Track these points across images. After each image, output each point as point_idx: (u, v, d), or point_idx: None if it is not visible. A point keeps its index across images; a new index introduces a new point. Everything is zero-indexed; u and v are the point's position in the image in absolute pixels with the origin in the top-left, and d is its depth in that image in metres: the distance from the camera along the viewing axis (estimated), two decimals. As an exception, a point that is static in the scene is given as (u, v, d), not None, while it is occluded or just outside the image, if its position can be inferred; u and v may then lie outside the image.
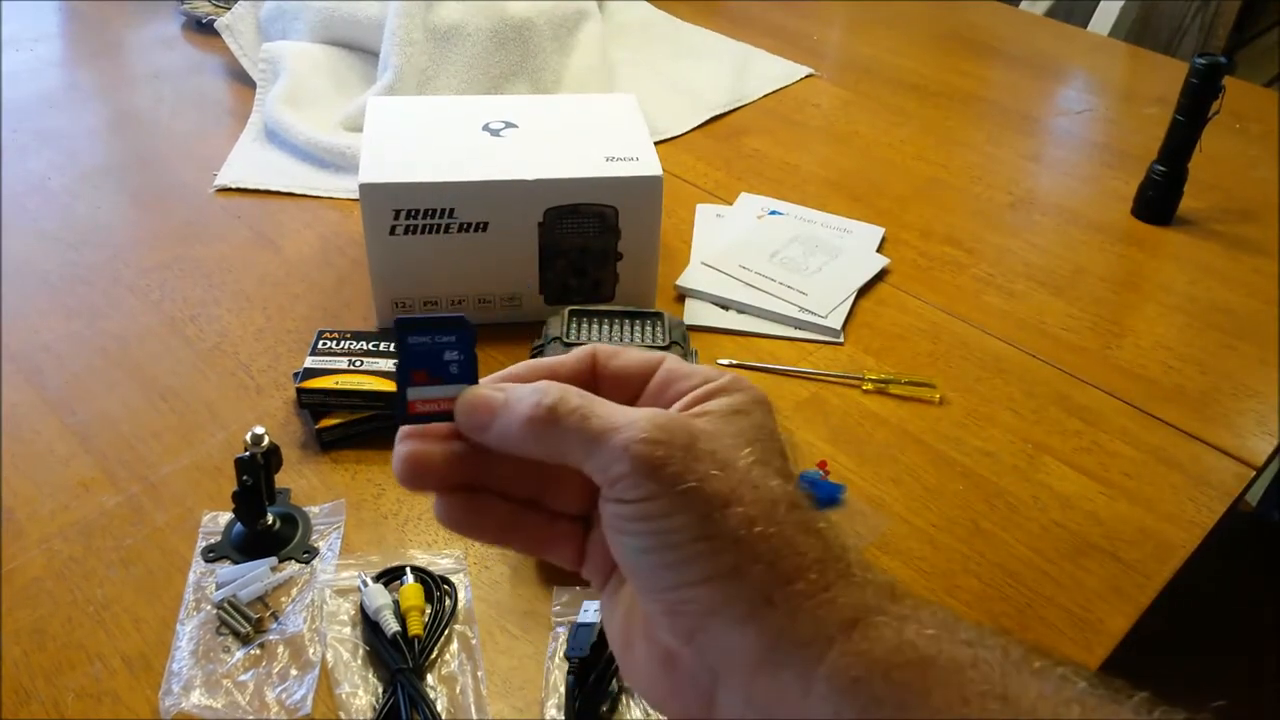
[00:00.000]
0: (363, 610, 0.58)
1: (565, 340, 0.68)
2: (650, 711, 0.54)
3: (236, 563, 0.62)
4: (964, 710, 0.26)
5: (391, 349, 0.73)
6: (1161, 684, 0.27)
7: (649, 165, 0.77)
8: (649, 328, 0.70)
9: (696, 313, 0.85)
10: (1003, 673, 0.26)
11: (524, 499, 0.34)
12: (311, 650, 0.57)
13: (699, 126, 1.13)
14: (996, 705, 0.26)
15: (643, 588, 0.30)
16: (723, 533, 0.28)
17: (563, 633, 0.58)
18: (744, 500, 0.29)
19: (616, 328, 0.70)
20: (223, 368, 0.77)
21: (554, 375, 0.33)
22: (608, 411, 0.30)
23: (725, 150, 1.09)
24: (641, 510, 0.28)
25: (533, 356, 0.69)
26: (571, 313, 0.70)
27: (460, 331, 0.33)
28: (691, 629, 0.29)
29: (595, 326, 0.70)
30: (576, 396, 0.31)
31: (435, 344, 0.33)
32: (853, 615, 0.28)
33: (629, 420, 0.29)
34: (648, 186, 0.77)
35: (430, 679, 0.56)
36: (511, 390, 0.32)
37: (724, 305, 0.86)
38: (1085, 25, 1.65)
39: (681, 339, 0.70)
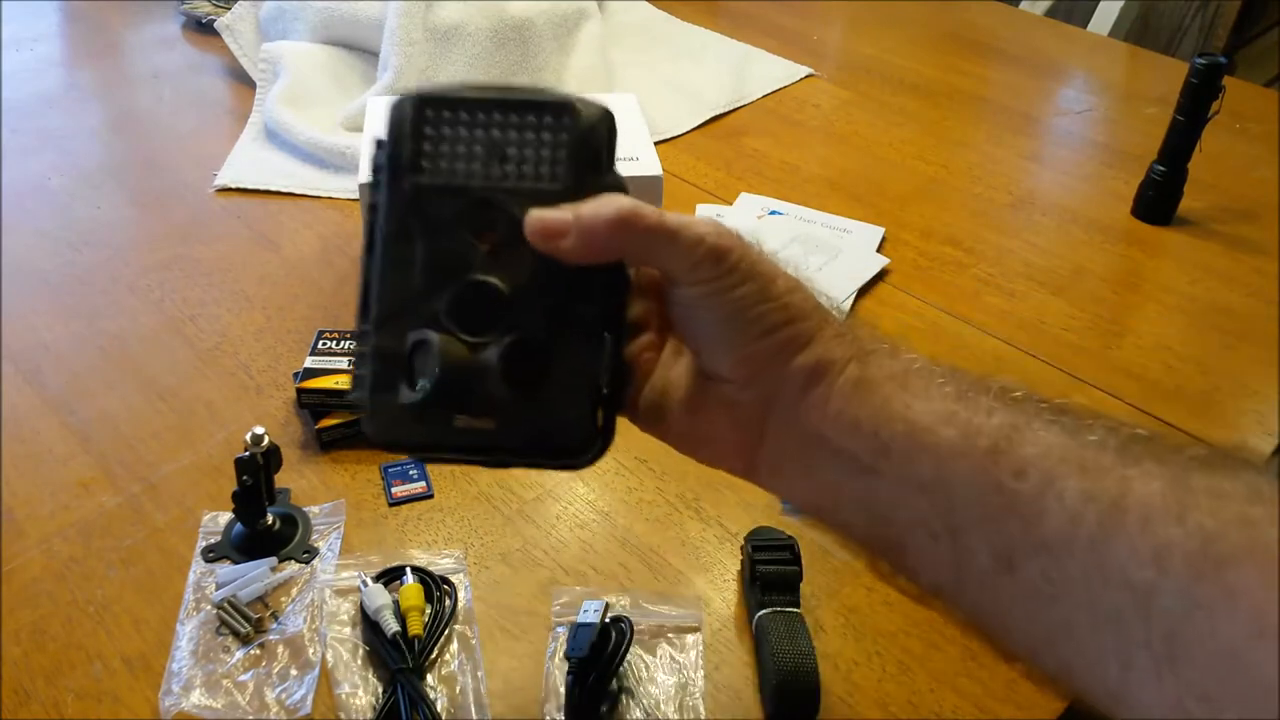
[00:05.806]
0: (363, 610, 0.58)
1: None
2: (650, 712, 0.54)
3: (236, 563, 0.62)
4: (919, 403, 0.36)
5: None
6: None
7: (649, 165, 0.77)
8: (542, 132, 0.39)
9: (696, 313, 0.85)
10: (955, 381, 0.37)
11: None
12: (311, 650, 0.57)
13: (699, 126, 1.13)
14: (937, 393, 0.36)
15: (717, 353, 0.39)
16: (776, 296, 0.38)
17: (563, 633, 0.58)
18: (782, 275, 0.38)
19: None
20: (223, 368, 0.77)
21: None
22: (675, 215, 0.37)
23: (725, 150, 1.09)
24: (718, 285, 0.37)
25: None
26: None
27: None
28: (753, 374, 0.38)
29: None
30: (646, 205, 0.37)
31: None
32: (860, 347, 0.38)
33: (696, 220, 0.38)
34: (648, 186, 0.77)
35: (430, 679, 0.56)
36: (579, 207, 0.37)
37: (724, 305, 0.86)
38: (1085, 25, 1.64)
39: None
